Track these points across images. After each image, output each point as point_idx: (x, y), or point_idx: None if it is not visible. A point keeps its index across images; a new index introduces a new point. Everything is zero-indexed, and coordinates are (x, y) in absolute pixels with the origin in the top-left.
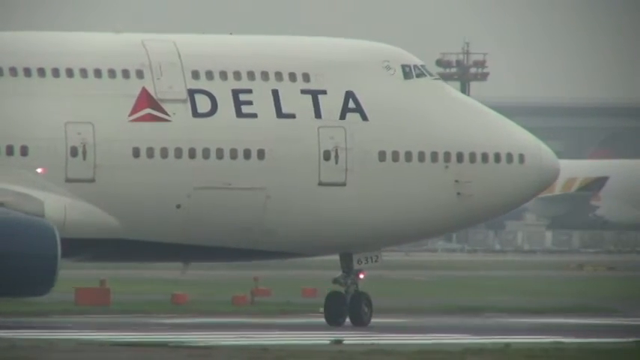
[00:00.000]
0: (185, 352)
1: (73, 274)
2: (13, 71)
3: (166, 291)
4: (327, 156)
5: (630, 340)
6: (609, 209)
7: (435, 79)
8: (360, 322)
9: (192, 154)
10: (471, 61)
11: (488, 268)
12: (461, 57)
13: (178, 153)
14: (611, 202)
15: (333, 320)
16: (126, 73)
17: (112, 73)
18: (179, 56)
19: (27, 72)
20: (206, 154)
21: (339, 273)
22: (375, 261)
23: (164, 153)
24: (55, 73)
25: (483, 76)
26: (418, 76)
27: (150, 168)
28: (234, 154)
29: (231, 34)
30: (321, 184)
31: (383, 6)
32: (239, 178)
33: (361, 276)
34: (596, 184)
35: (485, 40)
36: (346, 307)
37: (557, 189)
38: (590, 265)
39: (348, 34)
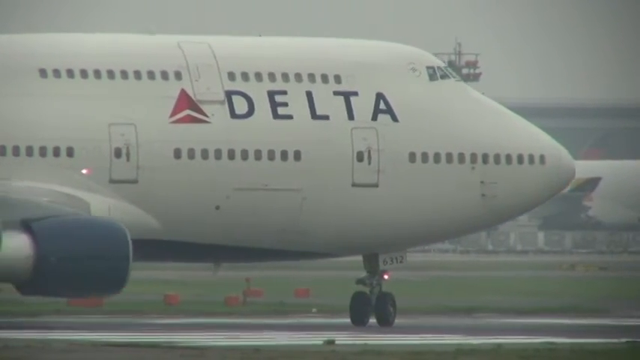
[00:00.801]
0: (178, 353)
1: None
2: (57, 73)
3: (159, 291)
4: (360, 157)
5: (622, 340)
6: (601, 210)
7: (458, 80)
8: (386, 323)
9: (231, 155)
10: (463, 61)
11: (481, 269)
12: (453, 57)
13: (218, 154)
14: (604, 203)
15: (359, 320)
16: (164, 75)
17: (151, 75)
18: (215, 58)
19: (70, 73)
20: (244, 155)
21: (327, 273)
22: (400, 261)
23: (204, 154)
24: (97, 74)
25: (475, 77)
26: (442, 77)
27: (190, 169)
28: (271, 155)
29: (260, 35)
30: (354, 185)
31: (374, 6)
32: (276, 180)
33: (385, 277)
34: (589, 184)
35: (477, 40)
36: (370, 307)
37: None
38: (582, 265)
39: (340, 34)
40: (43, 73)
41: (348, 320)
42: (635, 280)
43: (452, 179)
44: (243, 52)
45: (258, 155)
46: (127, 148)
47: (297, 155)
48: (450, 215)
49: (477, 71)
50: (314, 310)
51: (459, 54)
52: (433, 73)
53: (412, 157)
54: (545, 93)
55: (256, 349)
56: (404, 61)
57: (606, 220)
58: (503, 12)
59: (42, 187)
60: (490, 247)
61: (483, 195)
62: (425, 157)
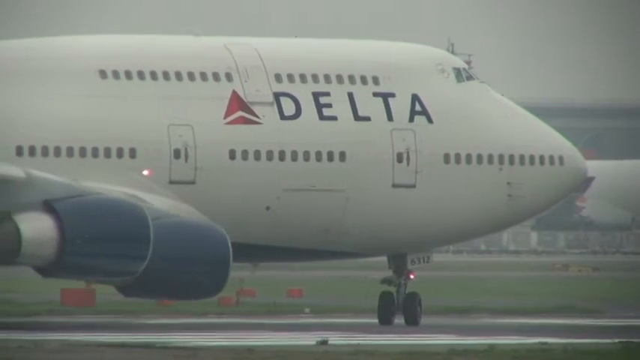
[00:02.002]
0: (171, 353)
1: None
2: (116, 74)
3: None
4: (399, 158)
5: (615, 340)
6: (594, 210)
7: (481, 82)
8: (414, 322)
9: (281, 156)
10: None
11: (474, 269)
12: None
13: (270, 155)
14: (597, 203)
15: (387, 320)
16: (216, 76)
17: (203, 76)
18: (261, 59)
19: (128, 74)
20: (294, 156)
21: (320, 274)
22: (427, 261)
23: (257, 155)
24: (153, 75)
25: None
26: (467, 79)
27: (244, 170)
28: (319, 156)
29: (296, 37)
30: (394, 185)
31: (366, 7)
32: (322, 180)
33: (411, 276)
34: (582, 184)
35: (470, 40)
36: (395, 306)
37: None
38: (576, 265)
39: (334, 35)
40: (103, 74)
41: (341, 320)
42: (628, 281)
43: (482, 180)
44: (286, 53)
45: (306, 156)
46: (186, 150)
47: (342, 156)
48: (479, 216)
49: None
50: (307, 310)
51: (453, 54)
52: (459, 75)
53: (446, 158)
54: (538, 93)
55: (249, 350)
56: (432, 62)
57: (599, 221)
58: (497, 12)
59: (110, 189)
60: (483, 248)
61: (510, 195)
62: (458, 158)
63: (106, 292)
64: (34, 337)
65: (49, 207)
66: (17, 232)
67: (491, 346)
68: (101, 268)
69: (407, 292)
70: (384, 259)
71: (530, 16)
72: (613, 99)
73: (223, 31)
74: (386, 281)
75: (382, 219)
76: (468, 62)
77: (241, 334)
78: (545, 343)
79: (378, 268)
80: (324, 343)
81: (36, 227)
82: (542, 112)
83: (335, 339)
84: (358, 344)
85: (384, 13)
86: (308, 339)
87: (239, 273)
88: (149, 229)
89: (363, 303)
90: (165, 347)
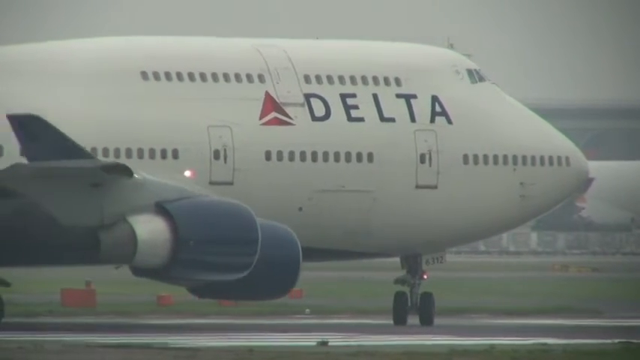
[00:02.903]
0: (171, 354)
1: (58, 275)
2: (157, 75)
3: (152, 292)
4: (422, 159)
5: (615, 341)
6: (594, 210)
7: (492, 83)
8: (430, 322)
9: (314, 157)
10: None
11: (474, 270)
12: None
13: (303, 156)
14: (597, 204)
15: (402, 320)
16: (250, 78)
17: (237, 77)
18: (290, 61)
19: (168, 76)
20: (325, 157)
21: (321, 274)
22: (441, 261)
23: (291, 156)
24: (191, 77)
25: None
26: (480, 80)
27: (279, 171)
28: (348, 157)
29: (317, 38)
30: (418, 186)
31: (363, 7)
32: (351, 181)
33: (425, 276)
34: (582, 185)
35: (469, 40)
36: (408, 306)
37: None
38: (575, 266)
39: (330, 34)
40: (144, 75)
41: (341, 321)
42: (628, 281)
43: (497, 181)
44: (313, 55)
45: (336, 157)
46: (225, 151)
47: (370, 157)
48: (494, 216)
49: None
50: (307, 310)
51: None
52: (472, 76)
53: (465, 159)
54: (538, 93)
55: (250, 350)
56: (448, 63)
57: (599, 221)
58: (496, 12)
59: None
60: (483, 248)
61: (522, 196)
62: (476, 159)
63: (106, 293)
64: (34, 338)
65: (161, 209)
66: (133, 234)
67: (491, 347)
68: (211, 269)
69: (424, 292)
70: (376, 259)
71: (529, 15)
72: (613, 99)
73: (223, 32)
74: (399, 281)
75: (406, 219)
76: None
77: (241, 334)
78: (545, 344)
79: (375, 269)
80: (324, 343)
81: (150, 229)
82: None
83: (335, 340)
84: (358, 345)
85: (380, 13)
86: (308, 340)
87: None
88: (257, 230)
89: (362, 304)
90: (165, 348)
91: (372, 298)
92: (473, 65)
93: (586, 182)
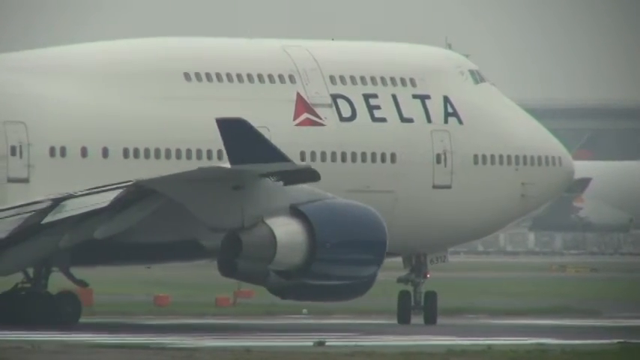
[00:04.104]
0: (168, 354)
1: (55, 275)
2: (198, 76)
3: (149, 292)
4: (438, 159)
5: (613, 341)
6: (592, 211)
7: (492, 84)
8: (434, 321)
9: (343, 157)
10: None
11: (471, 270)
12: None
13: (333, 157)
14: (594, 204)
15: (406, 319)
16: (282, 78)
17: (271, 78)
18: (316, 62)
19: (208, 77)
20: (353, 157)
21: None
22: (443, 261)
23: (323, 156)
24: (229, 77)
25: None
26: (481, 80)
27: None
28: (373, 157)
29: (332, 39)
30: (434, 186)
31: (362, 6)
32: (375, 181)
33: (428, 275)
34: (579, 185)
35: (467, 41)
36: (411, 305)
37: None
38: (573, 266)
39: (330, 35)
40: (187, 76)
41: (338, 321)
42: (625, 281)
43: (502, 180)
44: (335, 56)
45: (363, 157)
46: None
47: (393, 157)
48: (498, 215)
49: None
50: (304, 311)
51: None
52: (475, 77)
53: (475, 159)
54: (534, 94)
55: (247, 350)
56: (453, 64)
57: (597, 221)
58: (493, 12)
59: None
60: (480, 249)
61: (523, 195)
62: (484, 159)
63: (103, 293)
64: (32, 338)
65: (296, 211)
66: (272, 236)
67: (489, 347)
68: (344, 271)
69: (428, 291)
70: None
71: (526, 16)
72: (610, 99)
73: (223, 33)
74: (402, 280)
75: (423, 219)
76: None
77: (239, 335)
78: (543, 344)
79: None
80: (321, 344)
81: (288, 231)
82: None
83: (332, 340)
84: (355, 345)
85: (379, 13)
86: (305, 340)
87: None
88: (386, 232)
89: (360, 304)
90: (162, 348)
91: (372, 298)
92: (473, 66)
93: (583, 182)
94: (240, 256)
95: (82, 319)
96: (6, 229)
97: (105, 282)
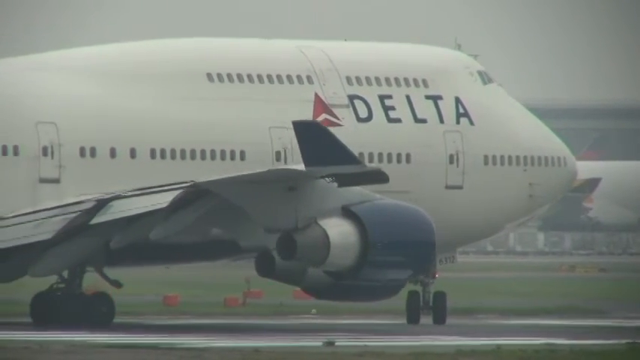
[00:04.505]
0: (177, 354)
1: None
2: (220, 77)
3: (158, 292)
4: (451, 160)
5: (622, 341)
6: (601, 211)
7: (499, 84)
8: (443, 321)
9: (360, 158)
10: None
11: (480, 270)
12: None
13: None
14: (603, 204)
15: (415, 319)
16: (300, 79)
17: (289, 79)
18: (332, 62)
19: (230, 77)
20: (371, 158)
21: None
22: (452, 261)
23: None
24: (250, 78)
25: None
26: (489, 81)
27: None
28: (390, 158)
29: (345, 40)
30: (447, 187)
31: (372, 7)
32: (392, 182)
33: (436, 275)
34: (588, 185)
35: (477, 41)
36: (420, 305)
37: None
38: (582, 266)
39: (338, 35)
40: (210, 77)
41: (348, 321)
42: (634, 282)
43: (511, 181)
44: (350, 57)
45: (380, 158)
46: (285, 152)
47: (408, 158)
48: (507, 215)
49: None
50: (313, 311)
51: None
52: (483, 78)
53: (486, 159)
54: (545, 94)
55: (256, 350)
56: (462, 65)
57: (606, 222)
58: (503, 12)
59: None
60: (490, 248)
61: (530, 196)
62: (494, 159)
63: (112, 293)
64: (40, 338)
65: (348, 212)
66: (326, 237)
67: (498, 347)
68: (395, 271)
69: (433, 291)
70: None
71: (540, 15)
72: (619, 99)
73: (224, 33)
74: (411, 280)
75: (436, 220)
76: None
77: (248, 335)
78: (552, 344)
79: None
80: (330, 344)
81: (341, 232)
82: (549, 112)
83: (341, 340)
84: (364, 345)
85: (389, 13)
86: (314, 340)
87: (246, 274)
88: (434, 234)
89: (369, 304)
90: (171, 348)
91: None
92: (481, 67)
93: (593, 182)
94: (295, 257)
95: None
96: (52, 230)
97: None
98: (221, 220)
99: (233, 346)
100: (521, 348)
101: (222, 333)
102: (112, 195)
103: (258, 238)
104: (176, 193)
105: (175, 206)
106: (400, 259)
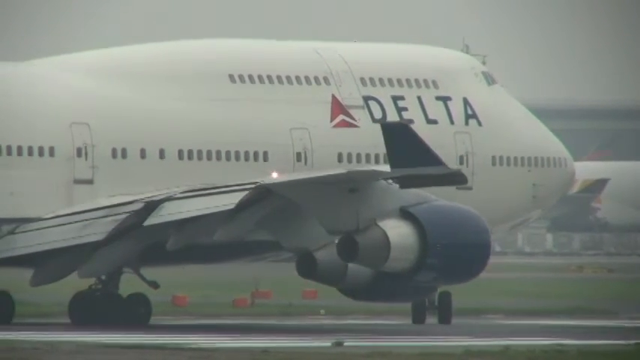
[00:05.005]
0: (186, 355)
1: (73, 276)
2: (242, 78)
3: (167, 293)
4: (461, 161)
5: (631, 342)
6: (610, 211)
7: (501, 85)
8: (448, 321)
9: (377, 159)
10: None
11: (489, 270)
12: None
13: (367, 158)
14: (612, 204)
15: (421, 319)
16: (317, 80)
17: (307, 80)
18: (346, 63)
19: (251, 78)
20: (386, 159)
21: None
22: None
23: (358, 158)
24: (270, 79)
25: None
26: (493, 82)
27: None
28: None
29: (355, 41)
30: (458, 188)
31: (380, 7)
32: None
33: None
34: (597, 185)
35: (485, 41)
36: (426, 305)
37: None
38: (590, 267)
39: (345, 36)
40: (232, 78)
41: (357, 322)
42: None
43: (516, 182)
44: (363, 58)
45: None
46: (305, 153)
47: None
48: (512, 217)
49: None
50: (322, 311)
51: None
52: (487, 78)
53: (493, 160)
54: (554, 94)
55: (265, 351)
56: (468, 66)
57: (615, 222)
58: (511, 13)
59: None
60: (498, 249)
61: (534, 197)
62: (501, 160)
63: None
64: (49, 338)
65: (406, 213)
66: (386, 238)
67: (507, 348)
68: (451, 273)
69: (438, 291)
70: None
71: (549, 15)
72: (628, 100)
73: (223, 33)
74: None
75: None
76: (483, 64)
77: (256, 335)
78: (561, 345)
79: None
80: (339, 344)
81: (400, 234)
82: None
83: (350, 341)
84: (373, 346)
85: (396, 14)
86: (323, 341)
87: (254, 274)
88: (490, 235)
89: (378, 305)
90: (179, 349)
91: None
92: (484, 68)
93: (601, 183)
94: (356, 259)
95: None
96: (103, 231)
97: (122, 282)
98: (266, 220)
99: (242, 347)
100: (529, 348)
101: (231, 333)
102: (162, 196)
103: (300, 240)
104: (232, 194)
105: (241, 208)
106: (457, 262)
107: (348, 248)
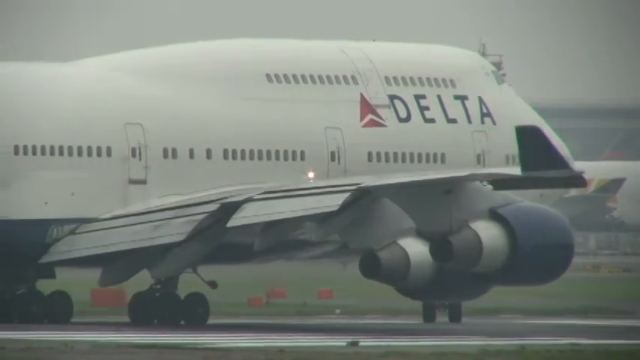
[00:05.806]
0: (201, 354)
1: (89, 276)
2: (278, 78)
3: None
4: (478, 159)
5: None
6: (625, 211)
7: (509, 85)
8: (458, 319)
9: (403, 158)
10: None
11: None
12: None
13: (395, 157)
14: (628, 204)
15: (431, 318)
16: (346, 80)
17: (337, 80)
18: (372, 63)
19: (286, 78)
20: (412, 158)
21: (351, 274)
22: None
23: (386, 157)
24: (304, 79)
25: None
26: (501, 82)
27: (379, 172)
28: (427, 158)
29: (374, 40)
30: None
31: (397, 8)
32: None
33: None
34: (613, 185)
35: (502, 41)
36: (435, 305)
37: (573, 190)
38: (606, 267)
39: (362, 35)
40: (269, 78)
41: (372, 321)
42: None
43: None
44: (385, 57)
45: (419, 158)
46: (338, 152)
47: (443, 158)
48: None
49: (502, 72)
50: (337, 311)
51: (484, 55)
52: (497, 78)
53: (507, 158)
54: (569, 94)
55: (280, 350)
56: (479, 65)
57: (630, 222)
58: (528, 12)
59: None
60: None
61: (541, 195)
62: (514, 158)
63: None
64: (65, 338)
65: (495, 215)
66: (478, 240)
67: (523, 347)
68: (537, 274)
69: None
70: None
71: (565, 15)
72: None
73: (224, 34)
74: None
75: None
76: (499, 63)
77: (271, 335)
78: (577, 344)
79: None
80: (354, 344)
81: (492, 235)
82: (575, 113)
83: (365, 340)
84: (388, 346)
85: (414, 14)
86: (338, 340)
87: (270, 273)
88: (573, 236)
89: (392, 304)
90: (195, 348)
91: (403, 298)
92: (493, 67)
93: (617, 182)
94: (451, 260)
95: (116, 320)
96: (181, 232)
97: (137, 282)
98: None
99: (257, 346)
100: (545, 348)
101: (247, 333)
102: (240, 198)
103: (365, 240)
104: (331, 196)
105: (343, 208)
106: (544, 262)
107: (443, 249)
